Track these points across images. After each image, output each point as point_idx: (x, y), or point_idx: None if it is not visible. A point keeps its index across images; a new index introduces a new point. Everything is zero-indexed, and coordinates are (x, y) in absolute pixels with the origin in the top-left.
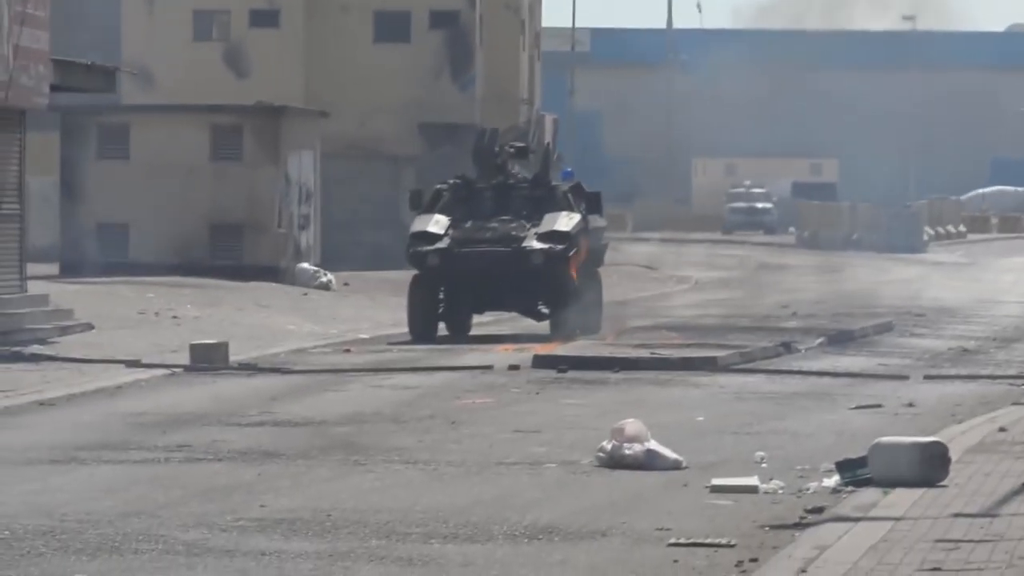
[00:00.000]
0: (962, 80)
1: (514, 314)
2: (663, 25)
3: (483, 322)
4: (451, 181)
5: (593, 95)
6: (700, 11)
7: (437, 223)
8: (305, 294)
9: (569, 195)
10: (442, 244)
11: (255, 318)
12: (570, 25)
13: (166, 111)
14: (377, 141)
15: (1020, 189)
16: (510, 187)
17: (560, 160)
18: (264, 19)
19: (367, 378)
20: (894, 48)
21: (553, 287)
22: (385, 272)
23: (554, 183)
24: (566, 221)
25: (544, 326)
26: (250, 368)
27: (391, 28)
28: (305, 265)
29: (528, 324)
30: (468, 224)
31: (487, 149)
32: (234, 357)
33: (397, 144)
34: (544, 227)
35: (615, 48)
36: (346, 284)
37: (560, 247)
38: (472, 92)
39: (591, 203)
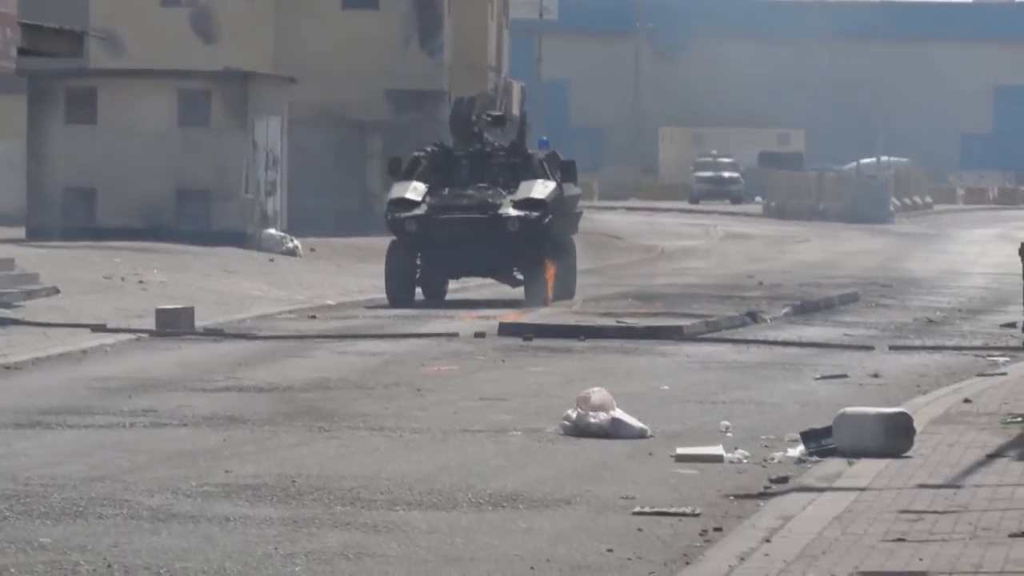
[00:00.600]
0: (929, 50)
1: (490, 280)
2: None
3: (459, 288)
4: (429, 148)
5: (560, 63)
6: None
7: (415, 190)
8: (271, 260)
9: (544, 163)
10: (420, 210)
11: (221, 284)
12: None
13: (134, 76)
14: (345, 107)
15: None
16: (487, 155)
17: (529, 128)
18: None
19: (333, 344)
20: (861, 17)
21: (528, 253)
22: (351, 238)
23: (530, 151)
24: (541, 189)
25: (519, 292)
26: (216, 334)
27: None
28: (272, 231)
29: (504, 290)
30: (445, 191)
31: (464, 117)
32: (200, 322)
33: (364, 111)
34: (520, 194)
35: (583, 16)
36: (312, 250)
37: (536, 214)
38: (440, 59)
39: (566, 171)
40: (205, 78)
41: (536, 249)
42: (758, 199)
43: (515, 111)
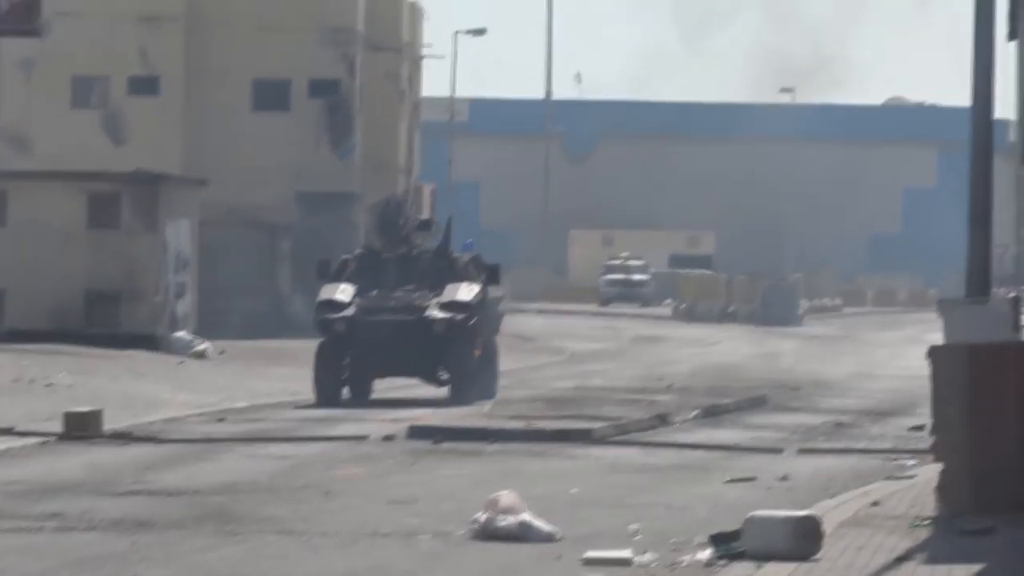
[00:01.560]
0: (839, 153)
1: (415, 380)
2: (542, 96)
3: (386, 387)
4: (357, 251)
5: (471, 165)
6: (579, 82)
7: (344, 291)
8: (181, 363)
9: (469, 266)
10: (348, 312)
11: (130, 386)
12: (449, 95)
13: (43, 177)
14: (255, 209)
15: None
16: (413, 258)
17: (435, 228)
18: (143, 86)
19: (242, 448)
20: (772, 119)
21: (454, 355)
22: (261, 341)
23: (455, 254)
24: (467, 291)
25: (444, 391)
26: (124, 437)
27: (271, 96)
28: (181, 334)
29: (429, 390)
30: (373, 293)
31: (392, 221)
32: (108, 425)
33: (275, 212)
34: (446, 297)
35: (493, 119)
36: (222, 353)
37: (461, 316)
38: (351, 161)
39: (490, 274)
40: (115, 180)
41: (461, 350)
42: (668, 301)
43: (425, 213)
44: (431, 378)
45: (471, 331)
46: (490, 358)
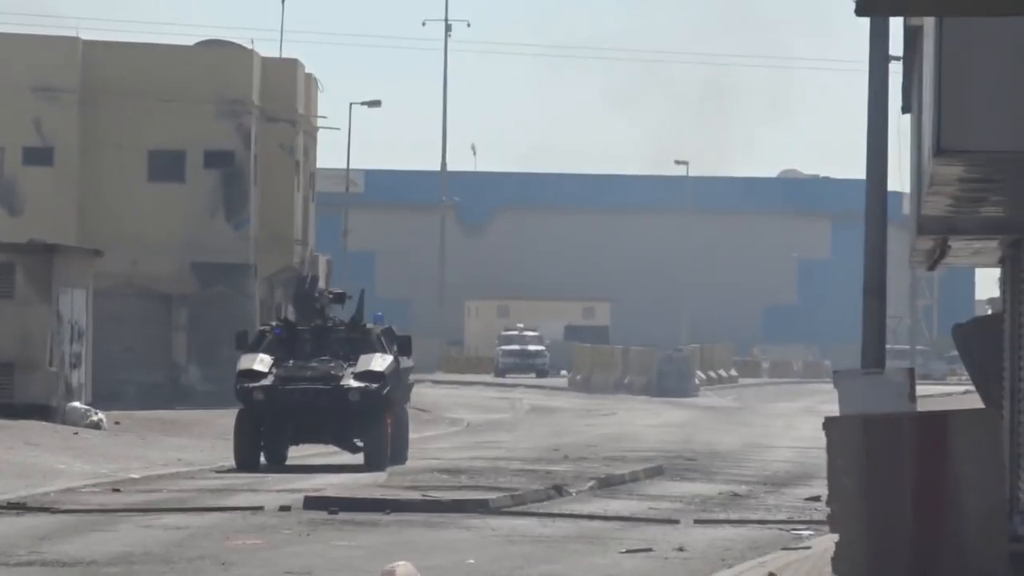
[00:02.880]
0: (734, 224)
1: (331, 446)
2: (437, 167)
3: (299, 454)
4: (273, 323)
5: (367, 236)
6: (475, 153)
7: (262, 361)
8: (76, 433)
9: (382, 337)
10: (267, 381)
11: (25, 456)
12: (345, 166)
13: None
14: (151, 279)
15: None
16: (328, 330)
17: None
18: (38, 156)
19: (137, 518)
20: (667, 192)
21: (368, 422)
22: (157, 411)
23: (368, 326)
24: (380, 362)
25: (358, 457)
26: (19, 507)
27: (166, 167)
28: (76, 404)
29: (344, 456)
30: (290, 363)
31: (307, 295)
32: (3, 496)
33: (171, 283)
34: (360, 367)
35: (389, 189)
36: (117, 423)
37: (375, 386)
38: (246, 231)
39: (401, 345)
40: (9, 250)
41: (375, 418)
42: (564, 372)
43: (321, 284)
44: (346, 445)
45: (385, 400)
46: (402, 425)
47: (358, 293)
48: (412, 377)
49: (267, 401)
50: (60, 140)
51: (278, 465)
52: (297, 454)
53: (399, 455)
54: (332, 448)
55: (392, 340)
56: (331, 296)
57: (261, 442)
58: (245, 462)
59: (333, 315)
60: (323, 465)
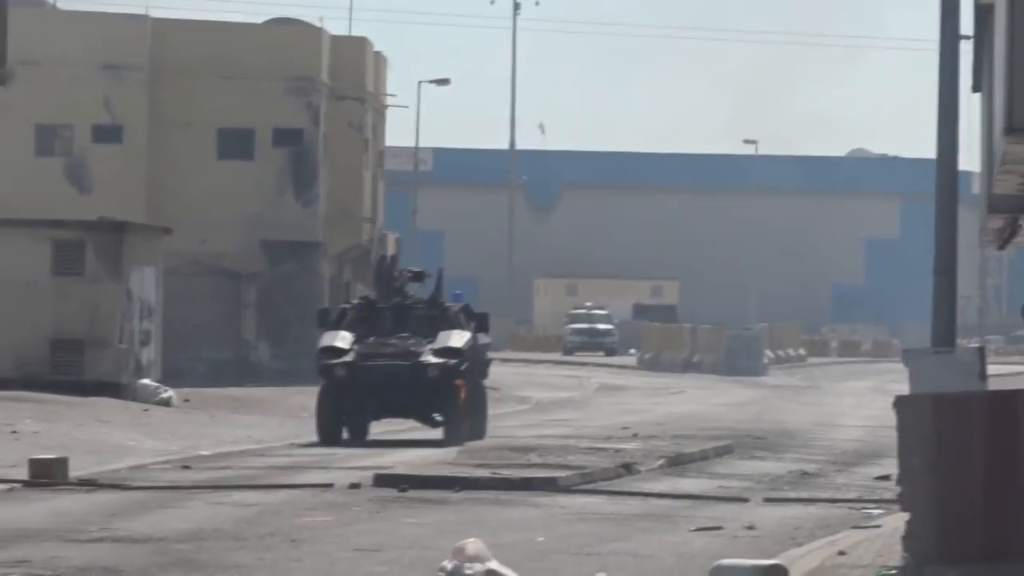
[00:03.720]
0: (802, 204)
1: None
2: (506, 146)
3: (380, 430)
4: (355, 301)
5: (435, 214)
6: (543, 132)
7: (343, 338)
8: (146, 410)
9: (460, 315)
10: (348, 358)
11: (95, 433)
12: (413, 144)
13: (6, 225)
14: (219, 257)
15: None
16: (407, 307)
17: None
18: (107, 134)
19: (207, 495)
20: (735, 170)
21: (447, 397)
22: (225, 389)
23: (446, 304)
24: (458, 338)
25: (437, 432)
26: (90, 484)
27: (235, 145)
28: (146, 381)
29: (424, 431)
30: (371, 340)
31: (387, 273)
32: (74, 473)
33: (239, 260)
34: (439, 343)
35: (458, 168)
36: (187, 400)
37: (453, 361)
38: (315, 209)
39: (479, 322)
40: (79, 228)
41: (454, 393)
42: (632, 351)
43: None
44: (426, 420)
45: (463, 375)
46: (480, 400)
47: (436, 272)
48: (489, 355)
49: (349, 377)
50: (129, 118)
51: (360, 439)
52: (379, 430)
53: (478, 429)
54: (413, 423)
55: (470, 317)
56: (410, 275)
57: (343, 417)
58: (328, 437)
59: (412, 293)
60: (404, 440)
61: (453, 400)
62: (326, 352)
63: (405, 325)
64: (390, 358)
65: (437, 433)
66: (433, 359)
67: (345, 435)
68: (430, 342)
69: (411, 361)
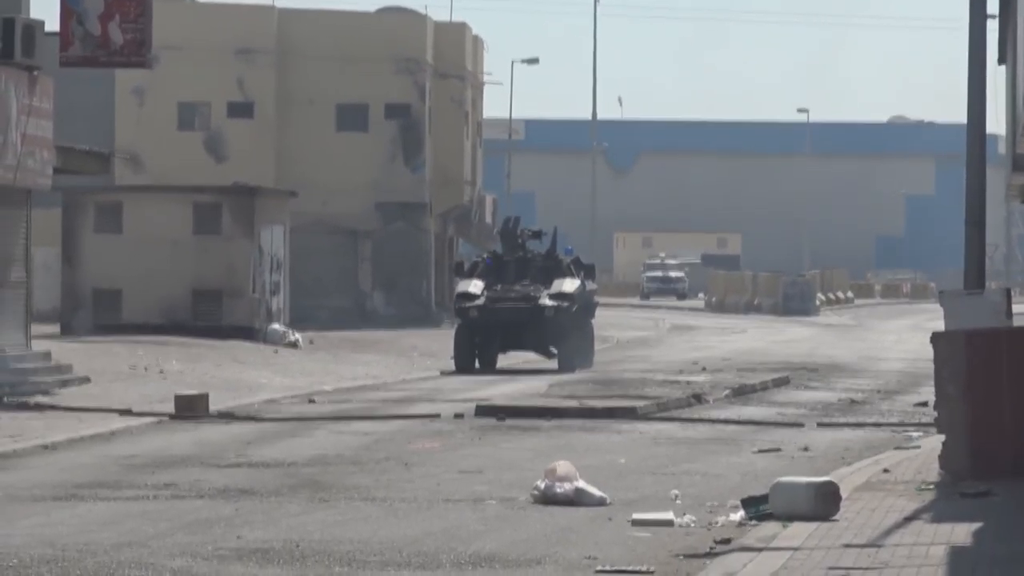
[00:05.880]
0: (848, 165)
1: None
2: (589, 116)
3: (506, 362)
4: (485, 255)
5: (527, 177)
6: (621, 104)
7: (475, 286)
8: (276, 351)
9: (571, 265)
10: (479, 301)
11: (232, 373)
12: (507, 116)
13: (154, 191)
14: (339, 217)
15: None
16: (528, 260)
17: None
18: (240, 110)
19: (330, 425)
20: (790, 136)
21: (560, 333)
22: (345, 332)
23: (560, 256)
24: (570, 284)
25: (553, 362)
26: (228, 417)
27: (351, 119)
28: (276, 326)
29: (542, 361)
30: (498, 287)
31: (511, 232)
32: (214, 407)
33: (357, 220)
34: (554, 289)
35: (546, 136)
36: (311, 343)
37: (565, 304)
38: (422, 175)
39: (587, 272)
40: (217, 192)
41: (567, 330)
42: (700, 295)
43: (487, 219)
44: (543, 352)
45: (574, 315)
46: (588, 336)
47: (552, 230)
48: (595, 298)
49: (480, 317)
50: (259, 96)
51: (490, 368)
52: (505, 362)
53: (586, 360)
54: (532, 355)
55: (579, 267)
56: (530, 233)
57: (476, 351)
58: (463, 367)
59: (532, 247)
60: (525, 369)
61: (565, 335)
62: (462, 297)
63: (526, 274)
64: (513, 302)
65: (553, 364)
66: (549, 302)
67: (477, 365)
68: (546, 288)
69: (531, 304)
